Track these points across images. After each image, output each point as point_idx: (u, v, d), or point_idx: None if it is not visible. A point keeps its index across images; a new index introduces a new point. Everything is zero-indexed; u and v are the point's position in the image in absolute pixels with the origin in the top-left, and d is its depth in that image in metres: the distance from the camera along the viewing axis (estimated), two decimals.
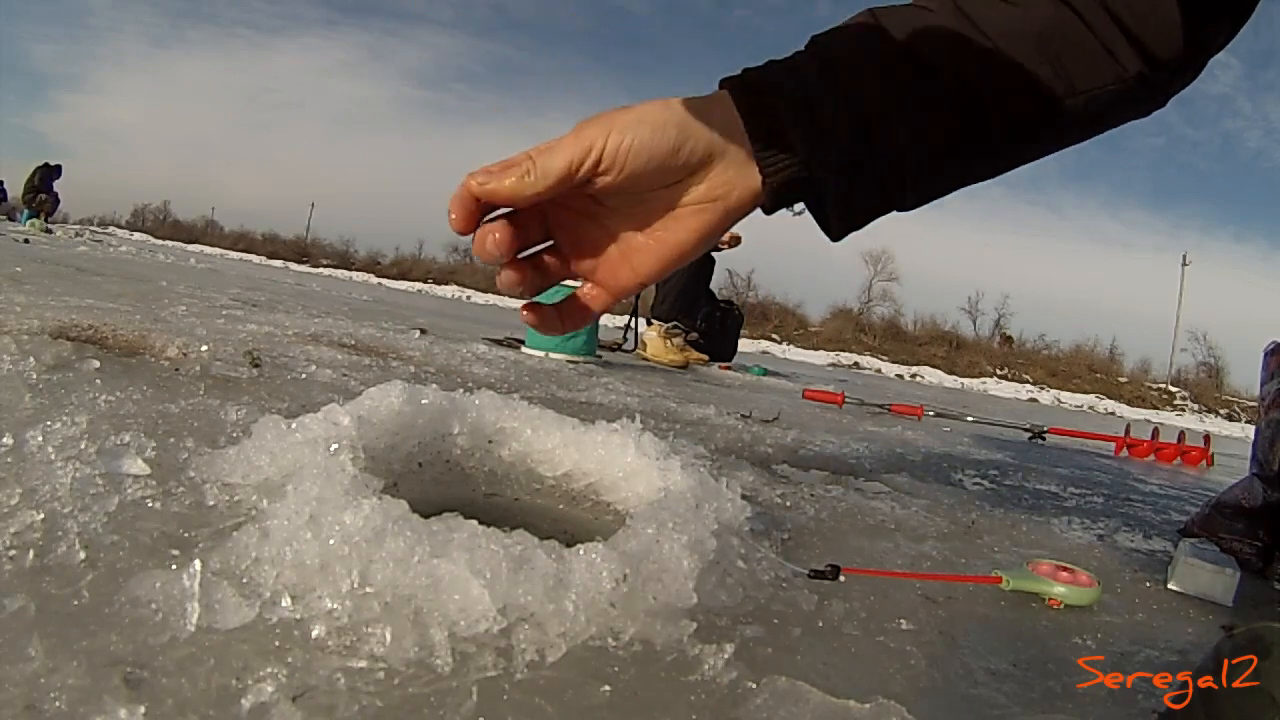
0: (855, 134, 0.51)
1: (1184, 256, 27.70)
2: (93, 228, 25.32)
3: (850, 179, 0.52)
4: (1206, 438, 3.24)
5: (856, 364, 17.22)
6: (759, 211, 0.54)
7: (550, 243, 0.53)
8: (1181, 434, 3.43)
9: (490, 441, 0.86)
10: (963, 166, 0.55)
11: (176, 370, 1.19)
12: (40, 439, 0.66)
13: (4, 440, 0.65)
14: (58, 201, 14.28)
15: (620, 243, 0.52)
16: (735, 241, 4.29)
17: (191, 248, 24.98)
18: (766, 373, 4.62)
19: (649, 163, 0.48)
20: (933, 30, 0.52)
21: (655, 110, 0.48)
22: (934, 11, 0.53)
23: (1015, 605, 0.77)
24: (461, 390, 0.92)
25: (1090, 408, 13.83)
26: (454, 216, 0.47)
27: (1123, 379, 25.58)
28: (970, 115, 0.52)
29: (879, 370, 16.62)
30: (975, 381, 17.00)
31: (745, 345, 11.14)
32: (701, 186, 0.50)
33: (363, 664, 0.43)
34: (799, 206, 0.55)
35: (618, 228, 0.52)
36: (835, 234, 0.55)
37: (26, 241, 5.72)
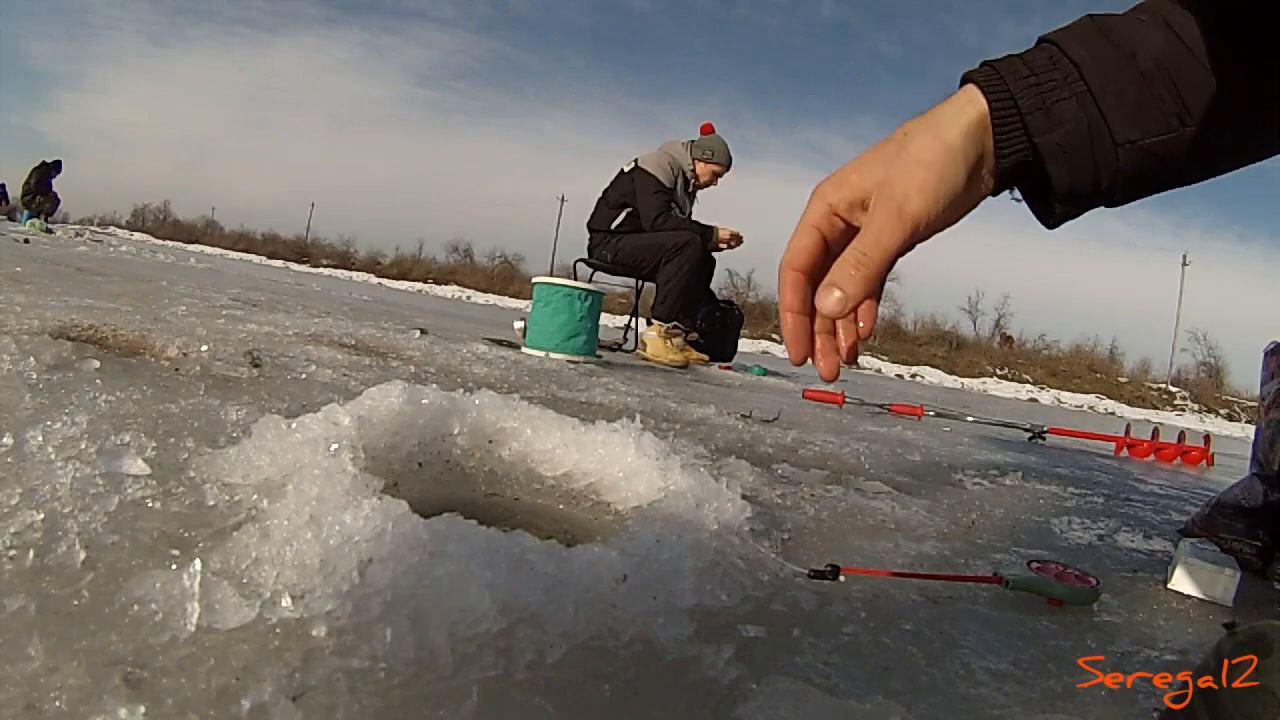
0: (1080, 125, 0.53)
1: (1184, 256, 27.74)
2: (93, 227, 25.31)
3: (1072, 168, 0.53)
4: (1206, 438, 3.24)
5: (856, 364, 17.20)
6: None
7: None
8: (1181, 434, 3.43)
9: (490, 441, 0.86)
10: (1175, 170, 0.57)
11: (176, 370, 1.19)
12: (40, 439, 0.66)
13: (4, 440, 0.65)
14: (58, 201, 14.27)
15: None
16: (736, 241, 4.30)
17: (191, 248, 25.00)
18: (766, 373, 4.62)
19: (948, 211, 0.51)
20: (1152, 39, 0.54)
21: (935, 152, 0.50)
22: (1146, 22, 0.55)
23: (1015, 605, 0.77)
24: (461, 390, 0.92)
25: (1090, 408, 13.83)
26: (795, 352, 0.55)
27: (1123, 379, 25.59)
28: (1185, 122, 0.54)
29: (879, 370, 16.63)
30: (975, 381, 17.00)
31: (745, 345, 11.15)
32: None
33: (363, 664, 0.43)
34: (1016, 193, 0.57)
35: None
36: (1056, 221, 0.57)
37: (26, 241, 5.72)
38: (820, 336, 0.55)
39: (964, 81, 0.54)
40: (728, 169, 4.48)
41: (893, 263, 0.50)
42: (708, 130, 4.45)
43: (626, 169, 4.32)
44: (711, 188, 4.52)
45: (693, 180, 4.42)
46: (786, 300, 0.56)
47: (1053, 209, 0.56)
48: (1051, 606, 0.77)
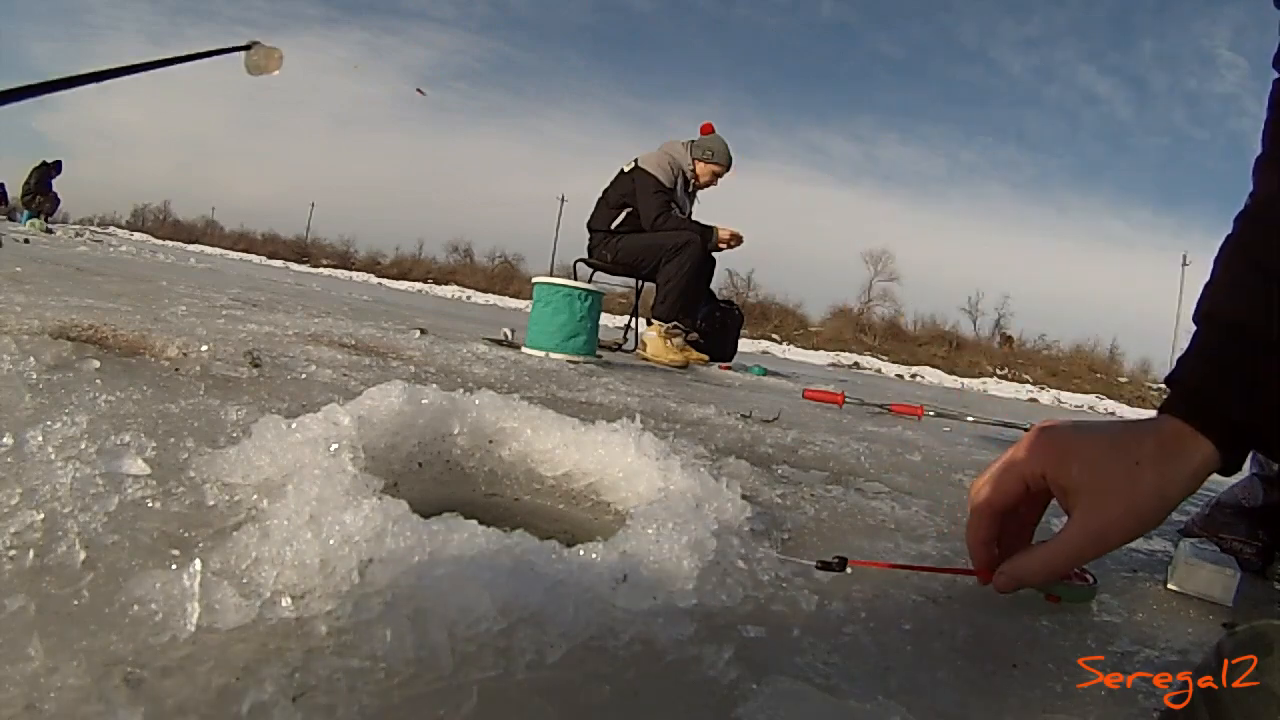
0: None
1: (1184, 256, 27.74)
2: (93, 227, 25.31)
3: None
4: None
5: (856, 364, 17.22)
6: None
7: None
8: None
9: (490, 441, 0.86)
10: None
11: (176, 370, 1.19)
12: (40, 439, 0.66)
13: (4, 440, 0.65)
14: (58, 201, 14.27)
15: None
16: (736, 241, 4.29)
17: (192, 248, 25.00)
18: (766, 373, 4.61)
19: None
20: None
21: (1154, 509, 0.57)
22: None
23: (1015, 604, 0.77)
24: (461, 390, 0.92)
25: (1090, 408, 13.83)
26: (980, 574, 0.67)
27: (1123, 379, 25.60)
28: None
29: (879, 370, 16.63)
30: (975, 381, 17.00)
31: (745, 345, 11.14)
32: None
33: (363, 664, 0.43)
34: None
35: None
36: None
37: (26, 241, 5.72)
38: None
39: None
40: (728, 169, 4.48)
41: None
42: (708, 130, 4.45)
43: (626, 169, 4.32)
44: (711, 188, 4.52)
45: (693, 180, 4.42)
46: (982, 535, 0.64)
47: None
48: (1050, 604, 0.77)
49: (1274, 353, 0.54)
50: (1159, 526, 0.57)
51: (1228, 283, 0.60)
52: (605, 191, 4.39)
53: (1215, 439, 0.55)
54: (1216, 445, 0.55)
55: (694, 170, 4.39)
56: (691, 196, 4.49)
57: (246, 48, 0.46)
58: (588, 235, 4.47)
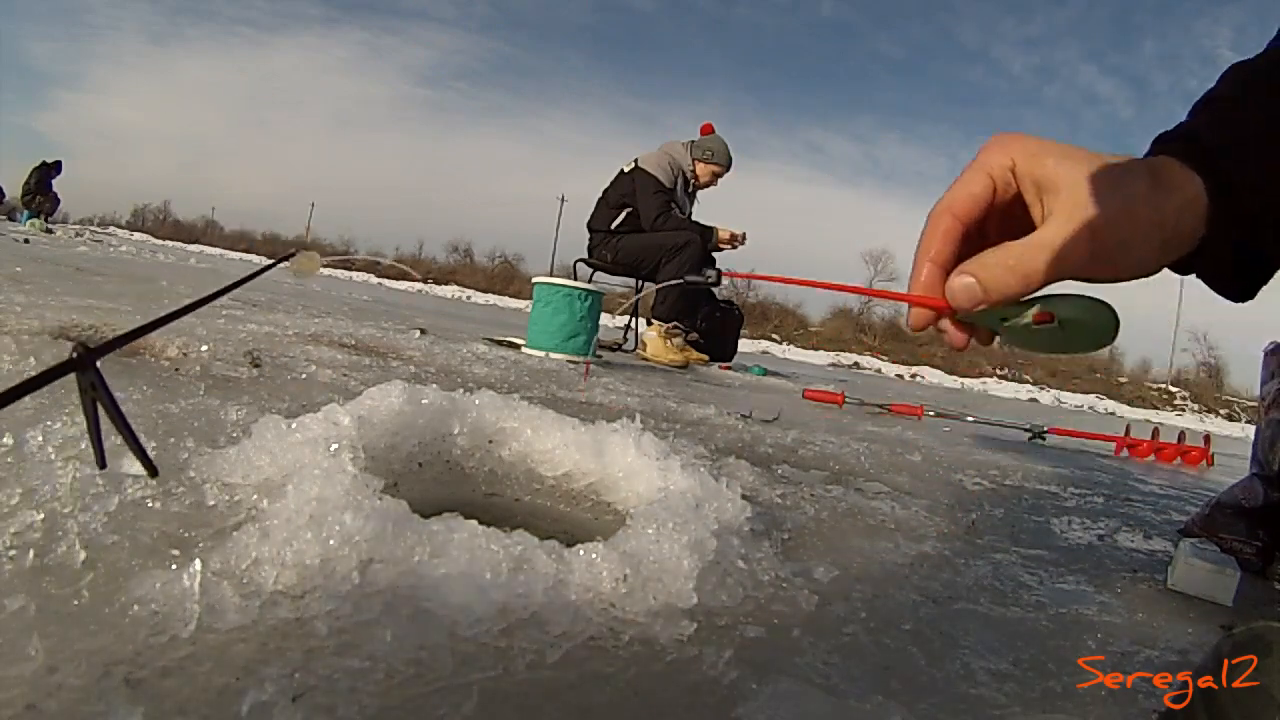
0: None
1: None
2: (93, 227, 25.32)
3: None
4: (1206, 438, 3.23)
5: (856, 364, 17.21)
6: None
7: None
8: (1181, 434, 3.43)
9: (490, 441, 0.86)
10: None
11: (176, 370, 1.19)
12: (40, 439, 0.66)
13: (4, 440, 0.65)
14: (58, 201, 14.26)
15: None
16: (738, 242, 4.30)
17: (192, 248, 24.99)
18: (766, 373, 4.62)
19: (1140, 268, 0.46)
20: None
21: (1177, 204, 0.45)
22: None
23: (1015, 605, 0.77)
24: (461, 390, 0.91)
25: (1090, 408, 13.82)
26: (918, 316, 0.48)
27: (1123, 379, 25.60)
28: None
29: (879, 370, 16.62)
30: (975, 381, 16.99)
31: (745, 345, 11.15)
32: None
33: (363, 664, 0.43)
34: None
35: None
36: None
37: (26, 241, 5.72)
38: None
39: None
40: (728, 169, 4.48)
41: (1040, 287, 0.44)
42: (708, 130, 4.45)
43: (626, 169, 4.32)
44: (711, 188, 4.52)
45: (693, 180, 4.42)
46: (933, 249, 0.47)
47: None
48: (1039, 324, 0.47)
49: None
50: (1152, 271, 0.45)
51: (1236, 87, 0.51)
52: (605, 192, 4.39)
53: (1209, 185, 0.46)
54: (1208, 194, 0.46)
55: (694, 170, 4.39)
56: (691, 197, 4.49)
57: (291, 255, 0.48)
58: (588, 235, 4.47)
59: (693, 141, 4.41)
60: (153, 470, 0.33)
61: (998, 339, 0.49)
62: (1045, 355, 0.49)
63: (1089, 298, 0.46)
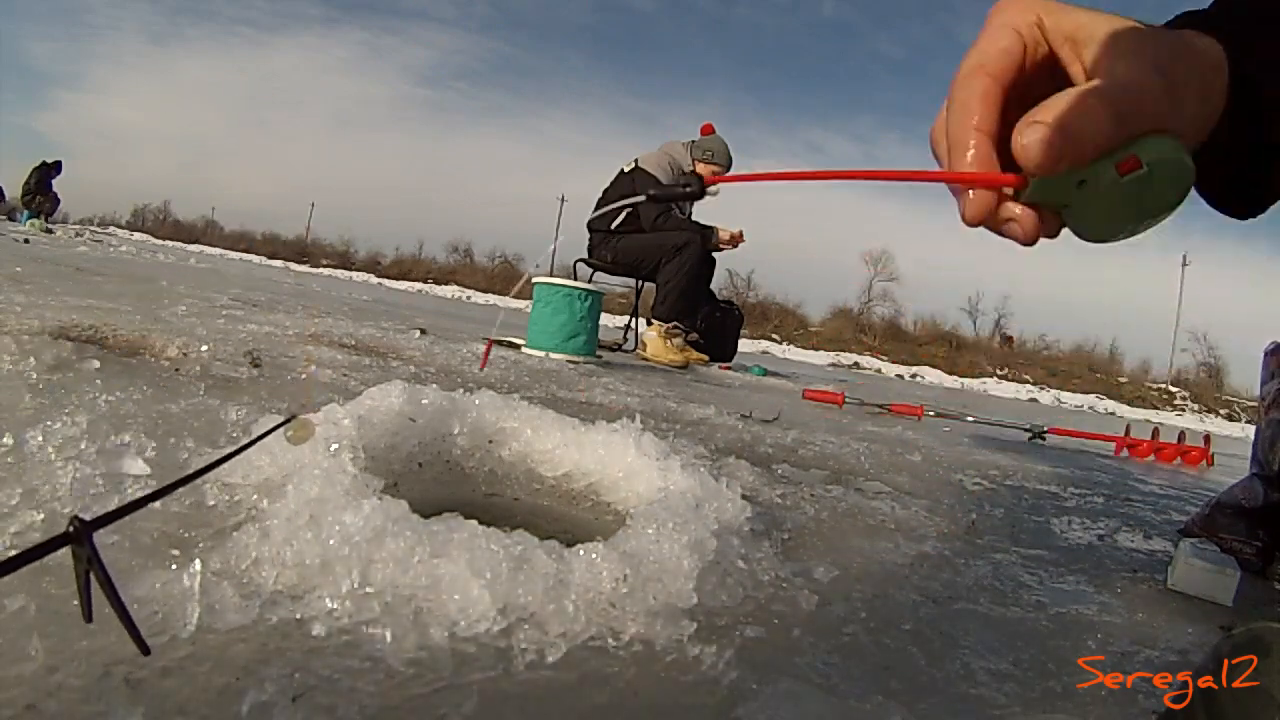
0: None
1: (1184, 256, 27.75)
2: (93, 227, 25.32)
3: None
4: (1206, 438, 3.23)
5: (856, 364, 17.22)
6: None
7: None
8: (1181, 434, 3.43)
9: (490, 441, 0.86)
10: None
11: (176, 370, 1.19)
12: (40, 439, 0.66)
13: (4, 440, 0.65)
14: (58, 201, 14.26)
15: None
16: (737, 241, 4.30)
17: (192, 248, 24.99)
18: (766, 373, 4.61)
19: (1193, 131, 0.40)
20: None
21: (1180, 69, 0.39)
22: None
23: (1015, 605, 0.77)
24: (461, 390, 0.91)
25: (1090, 408, 13.83)
26: (975, 206, 0.39)
27: (1123, 379, 25.60)
28: None
29: (879, 370, 16.63)
30: (975, 381, 17.00)
31: (745, 345, 11.14)
32: None
33: (363, 664, 0.43)
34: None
35: None
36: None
37: (26, 241, 5.72)
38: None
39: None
40: (728, 170, 4.48)
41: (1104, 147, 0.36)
42: (708, 130, 4.45)
43: (626, 169, 4.33)
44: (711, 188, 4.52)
45: None
46: (974, 116, 0.38)
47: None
48: (1123, 174, 0.38)
49: None
50: (1204, 134, 0.40)
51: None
52: (605, 191, 4.39)
53: (1229, 53, 0.41)
54: (1229, 66, 0.41)
55: (694, 171, 4.39)
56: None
57: (287, 421, 0.49)
58: (588, 235, 4.47)
59: (693, 141, 4.41)
60: (145, 649, 0.33)
61: (1064, 228, 0.41)
62: (1122, 239, 0.39)
63: (1160, 133, 0.38)
